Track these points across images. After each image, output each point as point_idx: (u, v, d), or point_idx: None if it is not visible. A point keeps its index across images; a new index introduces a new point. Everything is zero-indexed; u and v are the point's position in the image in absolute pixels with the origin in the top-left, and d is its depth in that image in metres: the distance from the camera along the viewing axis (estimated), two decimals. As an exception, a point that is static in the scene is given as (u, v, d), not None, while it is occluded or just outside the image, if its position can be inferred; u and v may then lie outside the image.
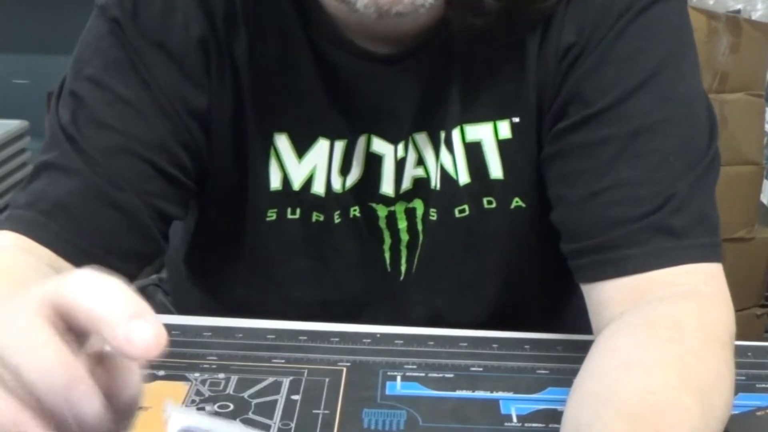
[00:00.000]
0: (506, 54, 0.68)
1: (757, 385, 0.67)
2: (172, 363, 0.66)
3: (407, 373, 0.67)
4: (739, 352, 0.60)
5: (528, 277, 0.78)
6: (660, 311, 0.59)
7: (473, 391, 0.65)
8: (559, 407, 0.61)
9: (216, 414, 0.59)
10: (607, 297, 0.63)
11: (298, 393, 0.63)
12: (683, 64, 0.67)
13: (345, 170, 0.72)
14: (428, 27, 0.67)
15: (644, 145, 0.64)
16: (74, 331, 0.35)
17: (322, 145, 0.71)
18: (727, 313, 0.61)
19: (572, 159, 0.66)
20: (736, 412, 0.58)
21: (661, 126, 0.64)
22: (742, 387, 0.63)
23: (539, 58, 0.68)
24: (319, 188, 0.72)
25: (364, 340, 0.72)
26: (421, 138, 0.71)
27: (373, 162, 0.72)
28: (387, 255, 0.75)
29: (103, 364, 0.36)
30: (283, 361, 0.68)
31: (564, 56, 0.67)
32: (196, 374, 0.65)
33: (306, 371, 0.66)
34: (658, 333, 0.57)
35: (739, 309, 0.65)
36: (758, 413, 0.62)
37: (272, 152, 0.71)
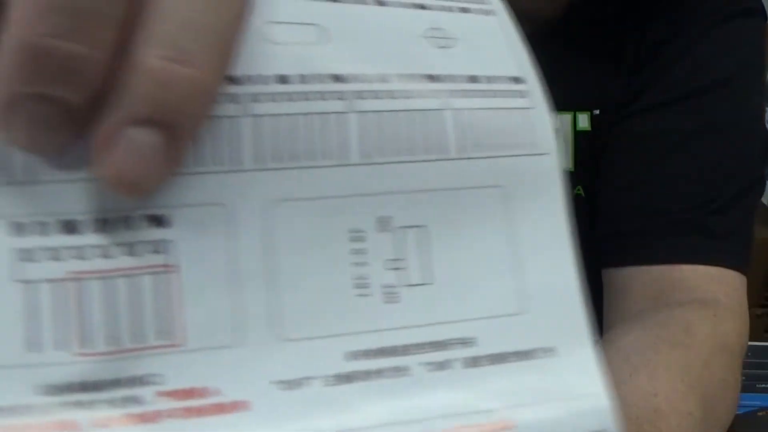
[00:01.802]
0: (601, 45, 0.67)
1: (757, 385, 0.66)
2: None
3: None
4: (738, 352, 0.59)
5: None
6: (675, 314, 0.58)
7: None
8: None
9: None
10: (629, 285, 0.62)
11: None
12: (756, 78, 0.67)
13: None
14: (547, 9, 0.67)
15: (703, 145, 0.64)
16: None
17: None
18: (741, 325, 0.60)
19: (629, 144, 0.66)
20: (737, 412, 0.57)
21: (724, 130, 0.64)
22: (742, 387, 0.62)
23: (627, 52, 0.66)
24: None
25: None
26: None
27: None
28: None
29: None
30: None
31: (651, 51, 0.66)
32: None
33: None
34: (668, 335, 0.56)
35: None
36: (759, 413, 0.61)
37: None
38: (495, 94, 0.24)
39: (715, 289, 0.60)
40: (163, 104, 0.20)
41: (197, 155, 0.22)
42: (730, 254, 0.62)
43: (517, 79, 0.25)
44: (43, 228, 0.22)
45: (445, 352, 0.23)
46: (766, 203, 0.69)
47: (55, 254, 0.22)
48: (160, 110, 0.20)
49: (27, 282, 0.21)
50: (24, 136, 0.21)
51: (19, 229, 0.22)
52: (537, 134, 0.24)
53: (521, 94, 0.25)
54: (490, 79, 0.24)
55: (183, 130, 0.21)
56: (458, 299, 0.23)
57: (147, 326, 0.22)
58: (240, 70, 0.22)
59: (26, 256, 0.21)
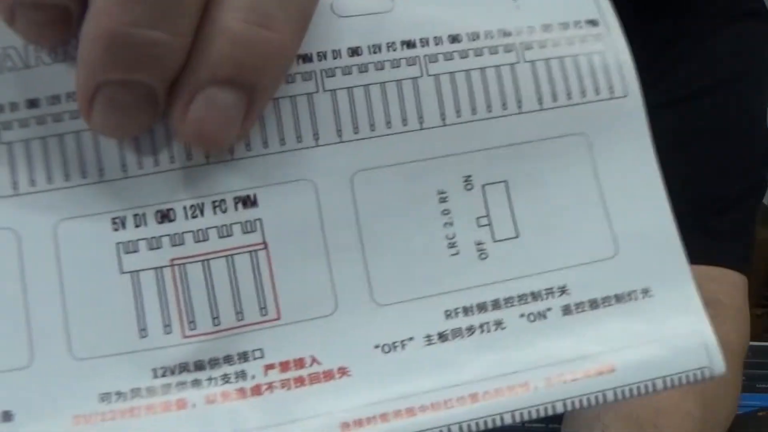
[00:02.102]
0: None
1: (758, 385, 0.67)
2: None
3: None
4: (738, 351, 0.60)
5: None
6: None
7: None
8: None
9: None
10: None
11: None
12: (759, 79, 0.67)
13: None
14: None
15: (705, 145, 0.64)
16: None
17: None
18: (742, 326, 0.61)
19: None
20: (737, 412, 0.57)
21: (727, 131, 0.65)
22: (742, 387, 0.62)
23: (649, 45, 0.67)
24: None
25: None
26: None
27: None
28: None
29: None
30: None
31: (655, 51, 0.66)
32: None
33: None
34: None
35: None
36: (759, 414, 0.61)
37: None
38: (569, 41, 0.25)
39: (715, 289, 0.61)
40: (244, 65, 0.21)
41: (279, 135, 0.23)
42: (731, 254, 0.62)
43: (592, 22, 0.25)
44: (141, 219, 0.22)
45: (541, 302, 0.23)
46: (766, 203, 0.71)
47: (155, 243, 0.22)
48: (240, 71, 0.21)
49: (133, 272, 0.22)
50: (107, 121, 0.21)
51: (119, 223, 0.22)
52: (614, 77, 0.25)
53: (597, 38, 0.25)
54: (563, 26, 0.25)
55: (261, 90, 0.21)
56: (548, 249, 0.24)
57: (245, 304, 0.22)
58: (311, 47, 0.23)
59: (129, 248, 0.22)
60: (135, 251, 0.22)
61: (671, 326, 0.24)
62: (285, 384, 0.22)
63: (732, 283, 0.62)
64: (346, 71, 0.23)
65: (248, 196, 0.23)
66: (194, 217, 0.23)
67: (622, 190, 0.24)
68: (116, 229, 0.22)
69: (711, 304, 0.61)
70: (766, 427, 0.60)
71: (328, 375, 0.22)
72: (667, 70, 0.66)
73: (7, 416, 0.21)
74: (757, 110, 0.67)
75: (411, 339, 0.23)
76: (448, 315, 0.23)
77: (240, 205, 0.23)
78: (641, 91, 0.25)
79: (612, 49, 0.25)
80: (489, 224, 0.24)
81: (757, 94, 0.67)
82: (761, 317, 1.32)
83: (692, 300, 0.24)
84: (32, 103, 0.23)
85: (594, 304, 0.24)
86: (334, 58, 0.23)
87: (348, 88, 0.23)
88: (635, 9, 0.67)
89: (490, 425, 0.22)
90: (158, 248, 0.22)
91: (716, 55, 0.65)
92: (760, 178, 0.66)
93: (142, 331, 0.22)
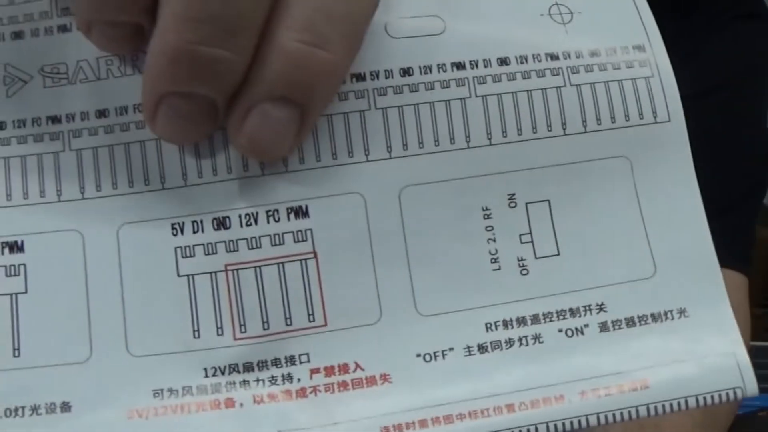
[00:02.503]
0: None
1: (758, 385, 0.67)
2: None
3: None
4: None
5: None
6: None
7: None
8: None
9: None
10: None
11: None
12: (759, 80, 0.68)
13: None
14: None
15: (706, 146, 0.64)
16: None
17: None
18: (743, 326, 0.60)
19: None
20: (738, 412, 0.58)
21: (727, 132, 0.65)
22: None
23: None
24: None
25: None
26: None
27: None
28: None
29: None
30: None
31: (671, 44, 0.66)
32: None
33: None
34: None
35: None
36: (759, 414, 0.62)
37: None
38: (616, 65, 0.26)
39: None
40: (298, 83, 0.22)
41: (332, 149, 0.24)
42: (732, 254, 0.62)
43: (639, 47, 0.26)
44: (198, 226, 0.23)
45: (579, 319, 0.24)
46: (765, 203, 0.71)
47: (211, 249, 0.23)
48: (294, 88, 0.22)
49: (189, 276, 0.23)
50: (170, 128, 0.23)
51: (178, 228, 0.23)
52: (658, 102, 0.26)
53: (642, 63, 0.26)
54: (611, 51, 0.26)
55: (313, 107, 0.23)
56: (588, 267, 0.25)
57: (294, 310, 0.23)
58: (365, 66, 0.24)
59: (186, 252, 0.23)
60: (192, 256, 0.23)
61: (706, 346, 0.24)
62: (329, 388, 0.23)
63: (732, 283, 0.62)
64: (398, 90, 0.24)
65: (300, 207, 0.24)
66: (248, 225, 0.23)
67: (662, 212, 0.25)
68: (175, 234, 0.23)
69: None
70: (767, 427, 0.61)
71: (371, 381, 0.23)
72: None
73: (66, 407, 0.22)
74: (758, 111, 0.68)
75: (451, 349, 0.24)
76: (488, 327, 0.24)
77: (292, 216, 0.24)
78: (684, 117, 0.26)
79: (657, 74, 0.26)
80: (531, 241, 0.24)
81: (758, 95, 0.68)
82: (761, 317, 1.32)
83: (727, 321, 0.25)
84: (101, 113, 0.24)
85: (631, 322, 0.24)
86: (386, 78, 0.24)
87: (399, 106, 0.24)
88: None
89: None
90: (214, 254, 0.23)
91: (717, 56, 0.65)
92: (761, 178, 0.67)
93: (196, 332, 0.23)
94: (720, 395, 0.24)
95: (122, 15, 0.22)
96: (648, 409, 0.24)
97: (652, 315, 0.25)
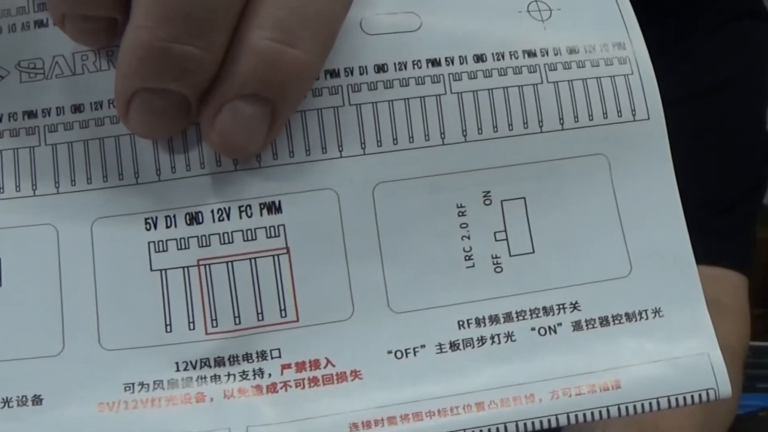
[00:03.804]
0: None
1: (758, 385, 0.67)
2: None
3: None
4: (739, 352, 0.60)
5: None
6: None
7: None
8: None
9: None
10: None
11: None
12: (759, 79, 0.67)
13: None
14: None
15: (705, 146, 0.64)
16: None
17: None
18: (742, 327, 0.61)
19: None
20: (738, 413, 0.58)
21: (727, 131, 0.65)
22: (742, 387, 0.63)
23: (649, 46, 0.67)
24: None
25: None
26: None
27: None
28: None
29: None
30: None
31: (655, 51, 0.66)
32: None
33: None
34: None
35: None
36: (760, 414, 0.62)
37: None
38: (594, 63, 0.25)
39: (716, 289, 0.61)
40: (269, 81, 0.22)
41: (305, 145, 0.24)
42: (732, 255, 0.62)
43: (619, 45, 0.26)
44: (171, 221, 0.24)
45: (552, 317, 0.24)
46: (765, 203, 0.70)
47: (184, 243, 0.24)
48: (265, 87, 0.22)
49: (162, 270, 0.23)
50: (142, 124, 0.23)
51: (151, 223, 0.24)
52: (637, 100, 0.25)
53: (621, 60, 0.26)
54: (590, 49, 0.26)
55: (285, 104, 0.23)
56: (563, 266, 0.24)
57: (266, 305, 0.23)
58: (339, 62, 0.24)
59: (159, 247, 0.23)
60: (164, 251, 0.23)
61: (680, 346, 0.24)
62: (299, 383, 0.23)
63: (732, 283, 0.62)
64: (372, 87, 0.24)
65: (273, 203, 0.24)
66: (221, 220, 0.24)
67: (639, 211, 0.25)
68: (148, 229, 0.23)
69: (711, 305, 0.61)
70: (767, 427, 0.61)
71: (341, 377, 0.23)
72: (667, 71, 0.66)
73: (38, 400, 0.23)
74: (758, 110, 0.67)
75: (423, 347, 0.24)
76: (460, 325, 0.24)
77: (265, 211, 0.24)
78: (664, 114, 0.25)
79: (637, 72, 0.26)
80: (506, 239, 0.24)
81: (758, 95, 0.67)
82: (761, 317, 1.32)
83: (702, 321, 0.25)
84: (77, 108, 0.24)
85: (605, 322, 0.24)
86: (361, 74, 0.24)
87: (373, 103, 0.24)
88: (635, 10, 0.67)
89: None
90: (186, 248, 0.23)
91: (716, 56, 0.65)
92: (761, 178, 0.66)
93: (168, 326, 0.23)
94: (693, 396, 0.24)
95: (95, 9, 0.22)
96: (619, 410, 0.23)
97: (627, 314, 0.24)
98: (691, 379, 0.24)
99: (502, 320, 0.24)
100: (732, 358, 0.56)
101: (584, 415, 0.23)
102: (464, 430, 0.23)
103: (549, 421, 0.23)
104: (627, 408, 0.23)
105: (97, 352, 0.23)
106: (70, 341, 0.23)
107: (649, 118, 0.25)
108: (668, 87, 0.66)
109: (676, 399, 0.24)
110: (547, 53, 0.25)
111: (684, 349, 0.24)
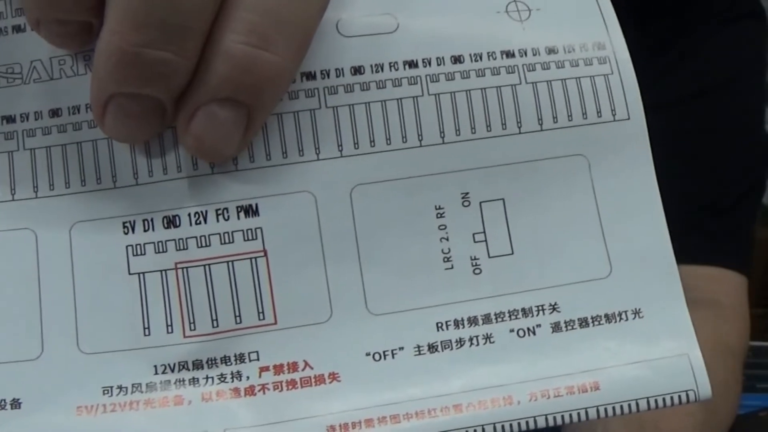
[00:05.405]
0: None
1: (758, 386, 0.67)
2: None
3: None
4: (739, 352, 0.60)
5: None
6: None
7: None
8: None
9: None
10: None
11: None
12: (758, 80, 0.67)
13: None
14: None
15: (705, 146, 0.64)
16: None
17: None
18: (742, 326, 0.61)
19: None
20: (738, 412, 0.58)
21: (726, 131, 0.64)
22: (742, 387, 0.63)
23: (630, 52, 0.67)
24: None
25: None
26: None
27: None
28: None
29: None
30: None
31: (653, 52, 0.66)
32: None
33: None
34: None
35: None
36: (760, 414, 0.62)
37: None
38: (573, 63, 0.25)
39: (716, 289, 0.61)
40: (244, 86, 0.22)
41: (282, 148, 0.24)
42: (731, 255, 0.62)
43: (599, 45, 0.26)
44: (149, 224, 0.24)
45: (532, 319, 0.24)
46: (765, 203, 0.70)
47: (161, 247, 0.24)
48: (240, 91, 0.22)
49: (139, 273, 0.23)
50: (118, 128, 0.23)
51: (129, 227, 0.24)
52: (617, 100, 0.25)
53: (601, 60, 0.25)
54: (569, 49, 0.25)
55: (259, 108, 0.23)
56: (542, 267, 0.24)
57: (243, 308, 0.24)
58: (315, 65, 0.24)
59: (137, 250, 0.24)
60: (142, 254, 0.23)
61: (659, 347, 0.24)
62: (277, 386, 0.23)
63: (732, 283, 0.62)
64: (348, 89, 0.24)
65: (250, 206, 0.24)
66: (198, 223, 0.24)
67: (619, 211, 0.25)
68: (126, 233, 0.24)
69: (711, 305, 0.61)
70: (767, 427, 0.61)
71: (320, 379, 0.23)
72: (666, 71, 0.65)
73: (16, 404, 0.23)
74: (757, 111, 0.67)
75: (401, 349, 0.24)
76: (439, 327, 0.24)
77: (242, 214, 0.24)
78: (644, 115, 0.25)
79: (617, 71, 0.25)
80: (485, 240, 0.24)
81: (757, 95, 0.67)
82: (761, 317, 1.31)
83: (683, 323, 0.25)
84: (54, 113, 0.24)
85: (584, 323, 0.24)
86: (337, 77, 0.24)
87: (349, 105, 0.24)
88: (634, 10, 0.67)
89: None
90: (164, 252, 0.23)
91: (715, 56, 0.65)
92: (760, 178, 0.66)
93: (146, 330, 0.23)
94: (672, 398, 0.24)
95: (69, 14, 0.22)
96: (598, 411, 0.23)
97: (606, 315, 0.24)
98: (670, 380, 0.24)
99: (480, 322, 0.24)
100: (732, 358, 0.56)
101: (563, 416, 0.23)
102: None
103: (527, 423, 0.23)
104: (606, 409, 0.23)
105: (75, 356, 0.23)
106: (49, 345, 0.23)
107: (629, 118, 0.25)
108: (668, 87, 0.66)
109: (656, 400, 0.24)
110: (525, 54, 0.25)
111: (664, 350, 0.24)
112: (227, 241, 0.24)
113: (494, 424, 0.23)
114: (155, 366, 0.23)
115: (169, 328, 0.23)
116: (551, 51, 0.25)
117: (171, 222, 0.24)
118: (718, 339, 0.57)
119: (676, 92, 0.64)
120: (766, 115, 0.69)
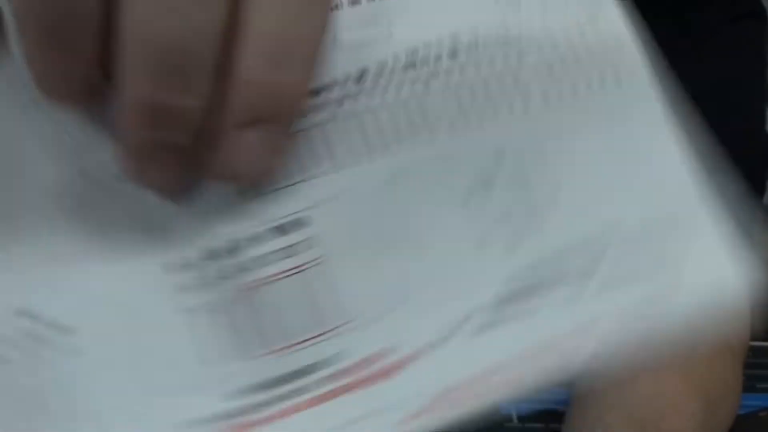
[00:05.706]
0: None
1: (758, 386, 0.67)
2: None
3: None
4: (739, 352, 0.60)
5: None
6: None
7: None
8: (560, 408, 0.61)
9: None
10: None
11: None
12: (758, 80, 0.67)
13: None
14: None
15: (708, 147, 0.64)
16: None
17: None
18: (743, 327, 0.60)
19: None
20: (738, 412, 0.58)
21: (725, 131, 0.64)
22: (742, 387, 0.63)
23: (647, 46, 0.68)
24: None
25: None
26: None
27: None
28: None
29: None
30: None
31: (654, 51, 0.66)
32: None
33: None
34: None
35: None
36: (761, 414, 0.62)
37: None
38: (570, 39, 0.26)
39: None
40: (264, 110, 0.23)
41: (315, 159, 0.25)
42: None
43: (591, 17, 0.27)
44: (191, 261, 0.24)
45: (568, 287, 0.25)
46: (765, 203, 0.70)
47: (217, 275, 0.24)
48: (261, 115, 0.23)
49: (189, 310, 0.24)
50: (152, 178, 0.23)
51: (172, 267, 0.24)
52: (619, 62, 0.27)
53: (594, 26, 0.27)
54: (564, 28, 0.26)
55: (282, 128, 0.23)
56: (574, 225, 0.25)
57: (315, 315, 0.24)
58: (318, 80, 0.25)
59: (184, 287, 0.24)
60: (189, 290, 0.24)
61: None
62: (368, 378, 0.24)
63: None
64: (354, 98, 0.25)
65: (300, 218, 0.24)
66: (253, 246, 0.24)
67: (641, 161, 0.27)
68: (170, 272, 0.24)
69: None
70: (767, 427, 0.61)
71: (405, 361, 0.24)
72: (666, 71, 0.66)
73: None
74: (757, 111, 0.67)
75: (469, 318, 0.25)
76: (502, 300, 0.25)
77: (295, 227, 0.24)
78: (649, 67, 0.26)
79: (613, 36, 0.28)
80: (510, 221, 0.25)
81: (757, 95, 0.67)
82: (761, 317, 1.31)
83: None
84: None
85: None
86: (341, 88, 0.25)
87: (356, 113, 0.25)
88: (635, 10, 0.67)
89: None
90: (222, 279, 0.24)
91: (716, 56, 0.65)
92: (760, 178, 0.66)
93: (206, 361, 0.24)
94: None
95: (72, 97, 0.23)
96: None
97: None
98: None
99: (529, 292, 0.25)
100: (732, 359, 0.56)
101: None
102: None
103: None
104: None
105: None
106: None
107: (631, 81, 0.28)
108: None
109: None
110: (522, 38, 0.25)
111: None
112: (288, 255, 0.24)
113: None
114: (224, 394, 0.23)
115: (239, 352, 0.24)
116: (547, 31, 0.26)
117: (228, 249, 0.24)
118: (718, 338, 0.57)
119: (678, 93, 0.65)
120: (767, 115, 0.69)
